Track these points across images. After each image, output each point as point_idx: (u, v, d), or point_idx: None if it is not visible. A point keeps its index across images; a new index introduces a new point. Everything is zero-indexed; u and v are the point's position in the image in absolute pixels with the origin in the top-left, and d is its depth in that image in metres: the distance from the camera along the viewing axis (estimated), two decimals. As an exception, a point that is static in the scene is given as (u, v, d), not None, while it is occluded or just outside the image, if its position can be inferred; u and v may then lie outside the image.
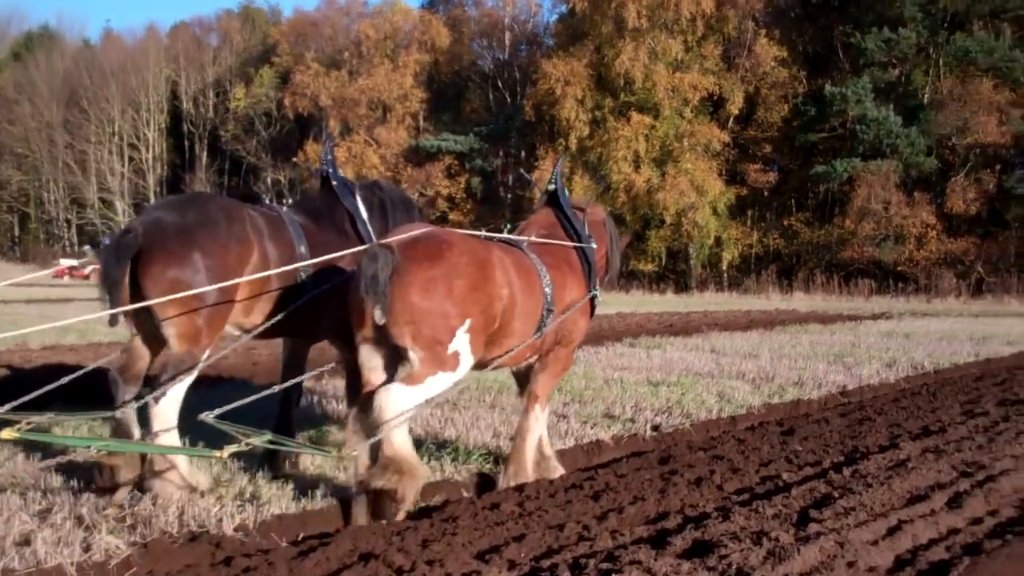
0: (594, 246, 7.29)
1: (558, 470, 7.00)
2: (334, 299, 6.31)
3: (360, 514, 5.69)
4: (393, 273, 5.41)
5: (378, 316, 5.41)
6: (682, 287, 48.98)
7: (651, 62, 48.77)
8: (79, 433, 7.54)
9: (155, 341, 6.09)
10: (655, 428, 8.97)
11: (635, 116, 48.62)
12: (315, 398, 10.05)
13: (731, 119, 52.07)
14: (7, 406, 5.25)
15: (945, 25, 48.53)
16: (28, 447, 6.95)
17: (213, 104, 73.04)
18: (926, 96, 49.17)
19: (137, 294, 5.77)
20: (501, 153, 58.68)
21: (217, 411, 5.57)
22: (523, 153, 56.00)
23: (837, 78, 50.02)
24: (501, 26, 61.90)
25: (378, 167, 55.96)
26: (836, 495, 6.17)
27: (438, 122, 61.48)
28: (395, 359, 5.78)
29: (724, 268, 51.85)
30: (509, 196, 57.44)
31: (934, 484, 6.58)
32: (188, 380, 5.90)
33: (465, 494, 6.55)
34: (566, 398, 10.39)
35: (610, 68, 48.92)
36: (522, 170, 45.90)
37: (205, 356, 5.98)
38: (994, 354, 15.73)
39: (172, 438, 5.86)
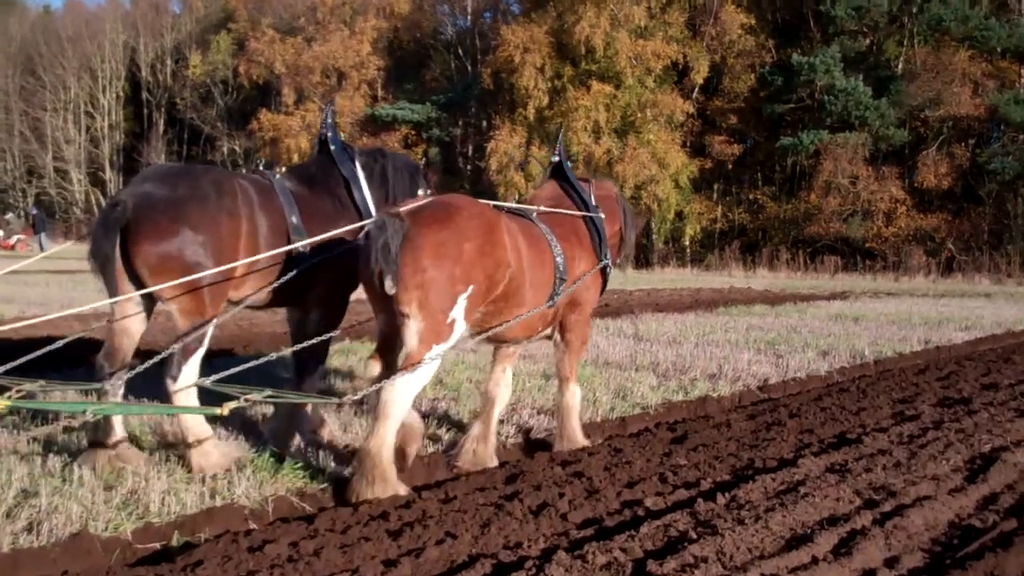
0: (602, 216, 7.22)
1: (492, 460, 6.64)
2: (328, 268, 6.39)
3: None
4: (404, 240, 5.38)
5: (388, 286, 5.37)
6: (643, 263, 47.36)
7: (613, 29, 46.91)
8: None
9: (145, 315, 6.09)
10: (527, 433, 7.54)
11: (596, 85, 46.85)
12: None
13: (696, 89, 50.53)
14: None
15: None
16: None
17: (171, 72, 70.73)
18: (899, 66, 47.74)
19: (126, 267, 5.79)
20: (460, 123, 56.89)
21: (215, 376, 5.73)
22: (484, 123, 54.11)
23: (807, 47, 48.52)
24: (464, -8, 59.88)
25: (331, 136, 54.07)
26: (695, 535, 4.79)
27: (399, 91, 59.57)
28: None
29: (686, 243, 50.35)
30: (469, 167, 55.72)
31: (827, 518, 5.19)
32: (199, 353, 5.93)
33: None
34: (439, 392, 8.91)
35: (571, 35, 47.10)
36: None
37: (211, 328, 5.99)
38: (946, 341, 14.29)
39: (197, 417, 5.89)
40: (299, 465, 6.05)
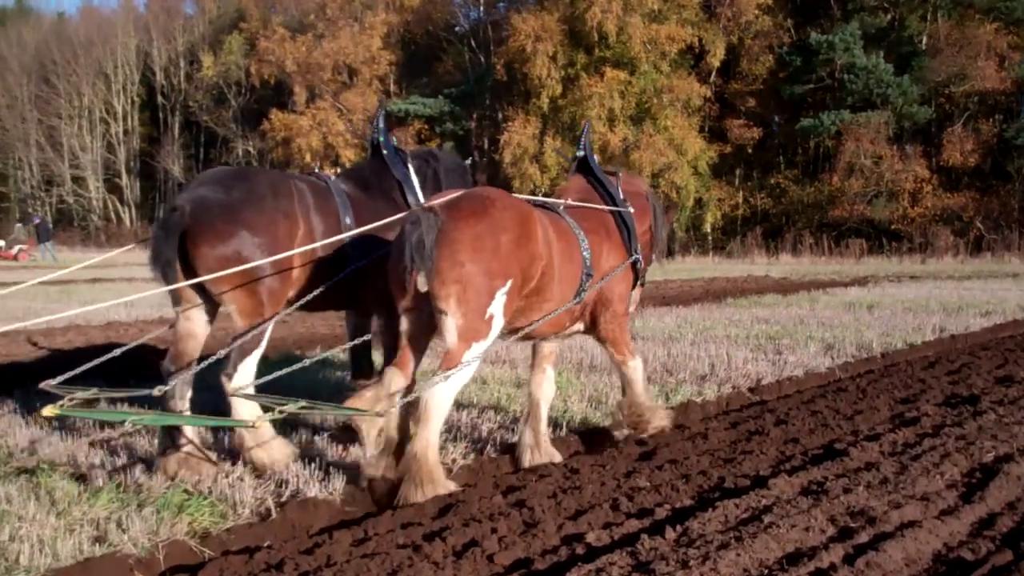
0: (631, 210, 7.02)
1: (556, 455, 6.65)
2: (377, 269, 6.23)
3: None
4: (439, 234, 5.26)
5: (421, 283, 5.28)
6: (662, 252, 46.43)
7: (626, 14, 45.99)
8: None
9: (207, 318, 6.17)
10: (486, 450, 6.81)
11: (610, 72, 46.02)
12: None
13: (712, 72, 49.65)
14: (56, 380, 5.36)
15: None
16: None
17: (185, 74, 70.26)
18: (923, 42, 46.53)
19: (186, 271, 5.84)
20: (474, 116, 56.05)
21: (250, 384, 5.84)
22: (499, 115, 53.28)
23: (826, 25, 47.45)
24: (476, -18, 58.99)
25: (344, 134, 53.50)
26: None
27: (412, 85, 58.83)
28: (433, 327, 5.61)
29: (707, 231, 49.36)
30: (485, 160, 54.95)
31: (789, 554, 4.45)
32: (257, 353, 5.98)
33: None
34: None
35: (583, 22, 46.25)
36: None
37: (269, 329, 6.04)
38: (963, 329, 13.41)
39: (253, 410, 5.83)
40: (208, 501, 5.36)
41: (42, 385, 5.44)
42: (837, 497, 5.23)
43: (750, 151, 50.04)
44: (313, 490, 5.58)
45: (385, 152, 7.13)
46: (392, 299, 5.68)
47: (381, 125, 7.31)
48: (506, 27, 51.16)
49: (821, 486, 5.50)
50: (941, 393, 8.61)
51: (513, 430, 7.31)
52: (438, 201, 5.56)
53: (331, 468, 6.01)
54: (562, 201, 6.71)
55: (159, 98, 70.99)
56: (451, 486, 5.59)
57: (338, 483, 5.74)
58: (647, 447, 6.83)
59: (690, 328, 13.63)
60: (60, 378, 5.41)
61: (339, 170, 7.02)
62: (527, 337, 6.28)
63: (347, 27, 57.13)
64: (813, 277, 27.74)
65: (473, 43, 58.95)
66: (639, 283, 7.22)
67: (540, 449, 6.55)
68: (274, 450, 6.02)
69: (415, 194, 6.99)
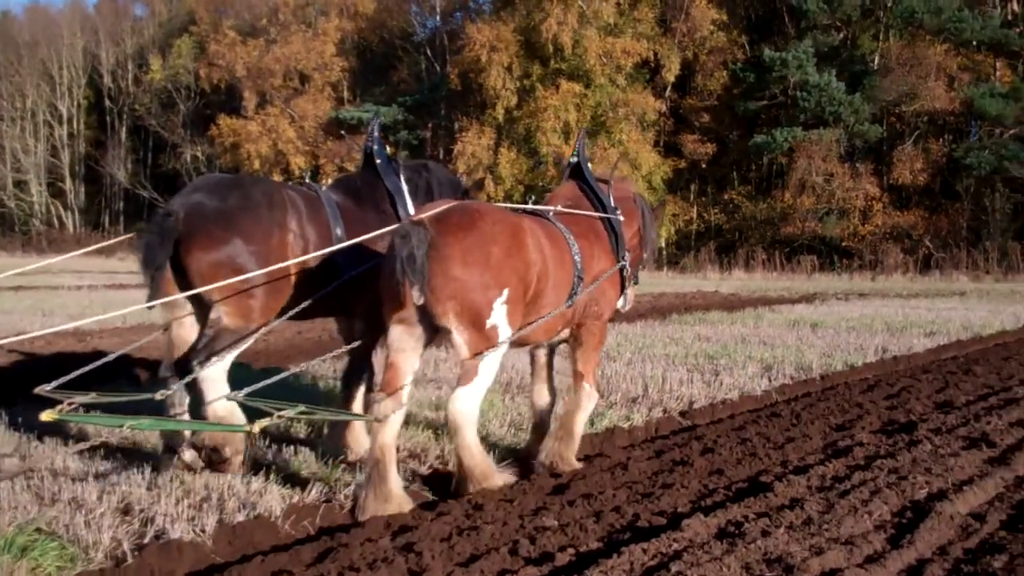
0: (621, 218, 7.12)
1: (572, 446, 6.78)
2: (366, 278, 6.40)
3: (386, 498, 5.58)
4: (430, 248, 5.33)
5: (416, 296, 5.35)
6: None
7: (582, 26, 45.77)
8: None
9: (197, 323, 6.20)
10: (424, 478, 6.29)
11: (565, 84, 45.73)
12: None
13: (667, 87, 49.50)
14: (51, 385, 5.48)
15: (893, -15, 46.04)
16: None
17: (133, 77, 69.00)
18: (874, 61, 46.72)
19: (179, 276, 5.93)
20: (429, 125, 55.51)
21: (247, 389, 5.73)
22: (454, 124, 52.77)
23: (780, 43, 47.47)
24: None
25: (294, 141, 52.74)
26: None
27: (366, 93, 58.17)
28: (428, 340, 5.79)
29: (661, 245, 49.13)
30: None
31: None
32: (236, 351, 6.02)
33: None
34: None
35: (539, 33, 45.89)
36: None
37: (256, 331, 6.12)
38: (906, 350, 13.11)
39: (225, 405, 5.87)
40: (57, 543, 4.75)
41: (37, 390, 5.57)
42: (755, 541, 4.80)
43: (704, 166, 49.93)
44: (179, 530, 5.02)
45: (378, 162, 7.17)
46: (384, 310, 5.75)
47: (376, 134, 7.34)
48: (462, 36, 50.72)
49: (739, 527, 5.07)
50: (878, 419, 8.25)
51: (422, 459, 6.83)
52: (426, 214, 5.59)
53: (205, 504, 5.48)
54: (551, 208, 6.79)
55: (106, 101, 69.81)
56: (508, 475, 6.11)
57: (210, 521, 5.19)
58: (562, 479, 6.37)
59: (629, 346, 13.20)
60: (55, 383, 5.54)
61: (329, 181, 7.31)
62: (520, 343, 6.29)
63: (300, 32, 56.42)
64: (763, 293, 27.53)
65: (429, 52, 58.42)
66: (633, 282, 7.40)
67: (571, 444, 6.72)
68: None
69: (406, 206, 7.03)
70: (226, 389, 5.92)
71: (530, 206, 6.90)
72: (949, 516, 5.26)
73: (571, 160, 7.54)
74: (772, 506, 5.50)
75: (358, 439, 6.65)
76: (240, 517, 5.33)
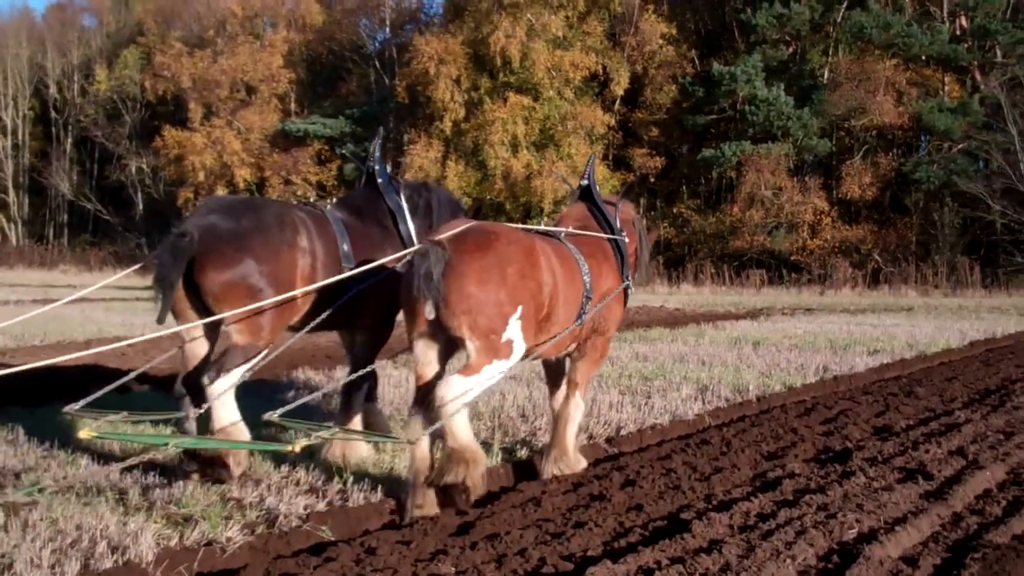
0: (627, 239, 7.46)
1: (581, 463, 7.10)
2: (375, 293, 6.79)
3: (422, 505, 5.86)
4: (447, 267, 5.59)
5: (428, 311, 5.61)
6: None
7: (530, 39, 45.52)
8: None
9: (209, 340, 6.41)
10: (277, 523, 5.75)
11: (513, 97, 45.47)
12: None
13: (617, 101, 49.28)
14: (78, 404, 5.77)
15: (841, 0, 46.16)
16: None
17: (80, 88, 67.72)
18: (824, 75, 46.87)
19: (191, 294, 6.14)
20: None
21: (282, 409, 5.88)
22: (403, 137, 52.21)
23: (729, 57, 47.52)
24: (381, 3, 57.66)
25: (240, 153, 51.90)
26: None
27: (314, 105, 57.47)
28: (449, 352, 6.05)
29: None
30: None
31: None
32: (245, 368, 6.15)
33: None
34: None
35: (487, 46, 45.59)
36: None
37: (265, 351, 6.31)
38: (847, 369, 12.76)
39: (230, 415, 6.14)
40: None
41: (66, 409, 5.83)
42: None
43: (653, 180, 49.82)
44: None
45: (380, 181, 7.44)
46: (406, 326, 6.02)
47: (377, 154, 7.64)
48: (411, 49, 50.28)
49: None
50: (812, 447, 7.84)
51: (322, 494, 6.28)
52: (445, 235, 5.85)
53: (73, 547, 4.94)
54: (561, 229, 7.06)
55: (52, 112, 68.35)
56: (488, 463, 6.22)
57: (72, 568, 4.67)
58: (468, 517, 5.87)
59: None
60: (82, 402, 5.77)
61: (334, 199, 7.49)
62: (532, 357, 6.54)
63: (247, 44, 55.70)
64: (709, 308, 27.23)
65: (379, 64, 57.85)
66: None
67: (565, 459, 6.99)
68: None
69: (406, 223, 7.34)
70: (233, 405, 6.20)
71: (542, 227, 7.18)
72: (879, 560, 4.85)
73: (581, 183, 7.75)
74: (689, 549, 5.05)
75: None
76: (107, 563, 4.80)
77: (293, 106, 58.11)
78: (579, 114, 46.46)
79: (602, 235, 7.29)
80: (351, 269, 6.63)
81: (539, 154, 45.93)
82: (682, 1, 51.09)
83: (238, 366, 6.15)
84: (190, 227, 6.13)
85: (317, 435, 5.78)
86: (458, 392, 5.71)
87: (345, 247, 6.75)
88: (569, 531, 5.44)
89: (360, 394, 7.27)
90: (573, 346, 6.95)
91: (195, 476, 6.25)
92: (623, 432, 8.54)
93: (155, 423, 6.56)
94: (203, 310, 6.19)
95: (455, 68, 46.48)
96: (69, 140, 67.83)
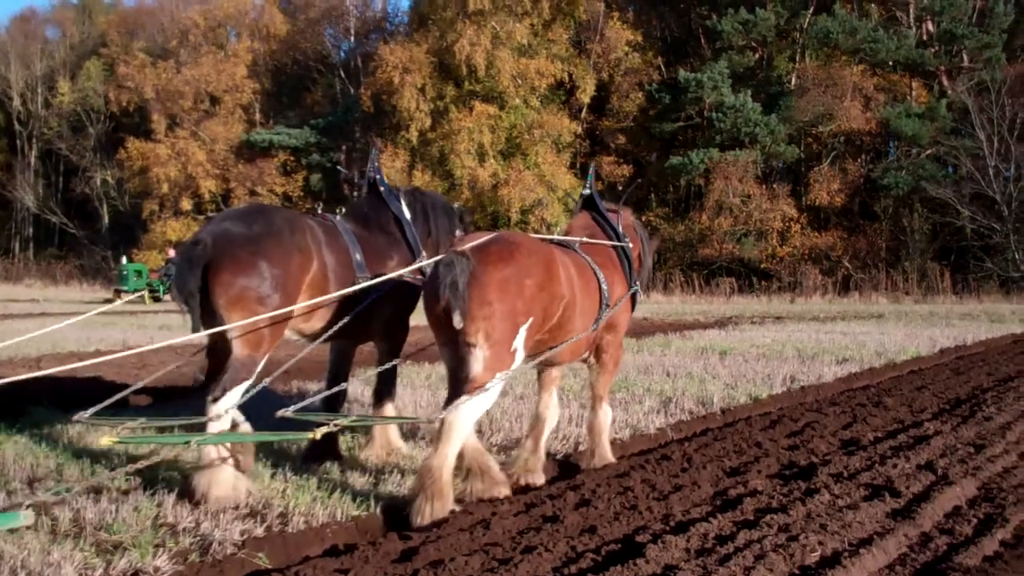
0: (631, 245, 7.69)
1: (540, 476, 7.07)
2: (385, 303, 7.07)
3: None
4: (470, 277, 5.71)
5: (457, 320, 5.69)
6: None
7: (495, 47, 45.35)
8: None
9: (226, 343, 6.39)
10: (211, 549, 5.35)
11: (479, 106, 45.25)
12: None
13: (583, 109, 49.23)
14: (88, 412, 5.91)
15: (808, 6, 46.21)
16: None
17: (44, 100, 66.85)
18: (792, 81, 46.87)
19: (205, 301, 6.19)
20: (343, 148, 54.47)
21: (297, 406, 6.23)
22: (369, 146, 51.92)
23: (696, 64, 47.46)
24: (345, 12, 57.36)
25: (204, 164, 51.33)
26: None
27: (279, 115, 56.98)
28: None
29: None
30: (355, 194, 53.44)
31: None
32: (247, 383, 6.23)
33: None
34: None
35: (452, 54, 45.37)
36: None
37: (263, 360, 6.36)
38: (815, 379, 12.45)
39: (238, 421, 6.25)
40: None
41: (75, 417, 5.96)
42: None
43: (621, 188, 49.62)
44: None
45: (382, 189, 7.69)
46: (432, 332, 6.18)
47: (376, 164, 7.89)
48: (376, 58, 49.95)
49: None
50: (776, 462, 7.48)
51: (262, 518, 5.90)
52: (469, 245, 5.99)
53: None
54: (576, 239, 7.26)
55: (16, 125, 67.40)
56: (456, 507, 6.00)
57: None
58: (412, 541, 5.49)
59: (522, 378, 12.30)
60: (92, 409, 5.90)
61: (343, 209, 7.83)
62: (549, 363, 6.85)
63: (211, 54, 55.17)
64: (677, 317, 26.96)
65: (344, 74, 57.51)
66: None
67: (536, 457, 7.04)
68: (220, 485, 6.03)
69: (411, 229, 7.62)
70: (230, 416, 6.21)
71: (558, 237, 7.31)
72: (841, 587, 4.52)
73: (583, 192, 8.02)
74: (642, 575, 4.71)
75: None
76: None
77: (258, 117, 57.68)
78: (545, 122, 46.31)
79: (614, 243, 7.53)
80: (363, 278, 6.85)
81: (506, 163, 45.66)
82: (648, 8, 51.07)
83: (242, 382, 6.21)
84: (204, 235, 6.27)
85: (335, 423, 5.90)
86: (469, 416, 5.84)
87: (358, 256, 6.94)
88: (518, 556, 5.08)
89: (392, 389, 7.64)
90: (587, 352, 7.20)
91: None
92: (582, 448, 8.19)
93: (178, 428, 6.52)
94: (217, 314, 6.25)
95: (420, 77, 46.25)
96: (33, 153, 66.96)
